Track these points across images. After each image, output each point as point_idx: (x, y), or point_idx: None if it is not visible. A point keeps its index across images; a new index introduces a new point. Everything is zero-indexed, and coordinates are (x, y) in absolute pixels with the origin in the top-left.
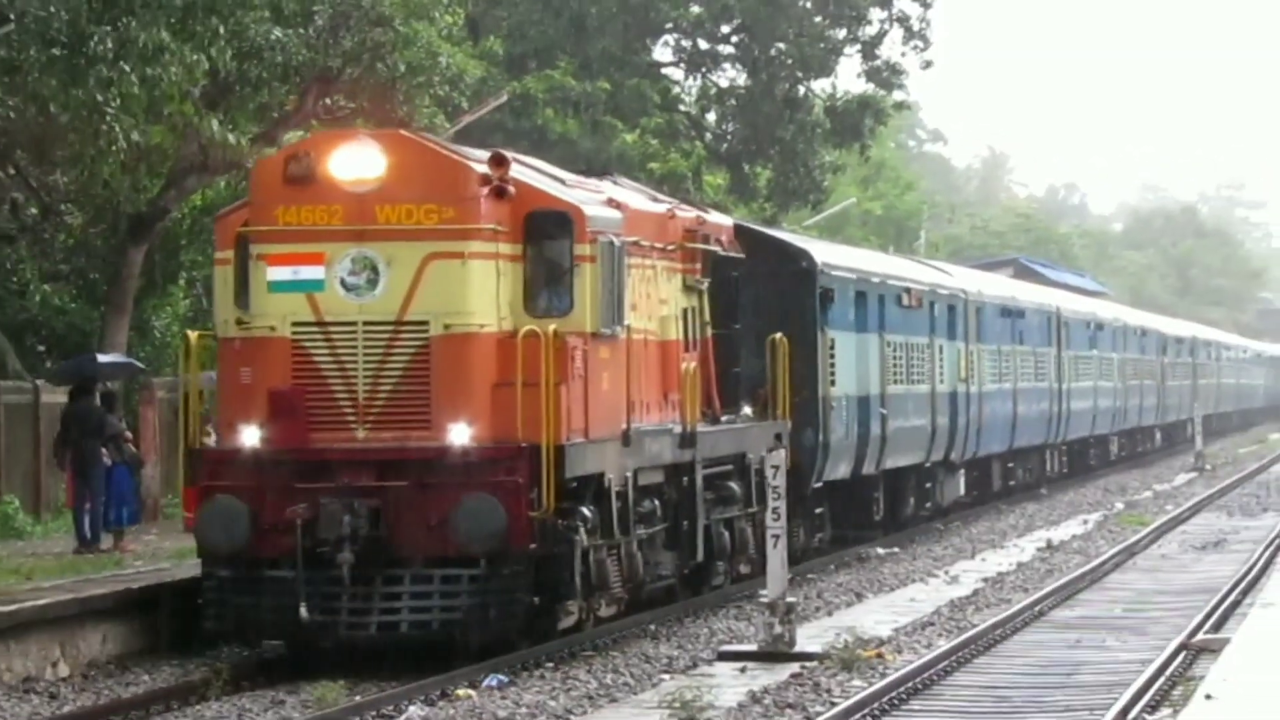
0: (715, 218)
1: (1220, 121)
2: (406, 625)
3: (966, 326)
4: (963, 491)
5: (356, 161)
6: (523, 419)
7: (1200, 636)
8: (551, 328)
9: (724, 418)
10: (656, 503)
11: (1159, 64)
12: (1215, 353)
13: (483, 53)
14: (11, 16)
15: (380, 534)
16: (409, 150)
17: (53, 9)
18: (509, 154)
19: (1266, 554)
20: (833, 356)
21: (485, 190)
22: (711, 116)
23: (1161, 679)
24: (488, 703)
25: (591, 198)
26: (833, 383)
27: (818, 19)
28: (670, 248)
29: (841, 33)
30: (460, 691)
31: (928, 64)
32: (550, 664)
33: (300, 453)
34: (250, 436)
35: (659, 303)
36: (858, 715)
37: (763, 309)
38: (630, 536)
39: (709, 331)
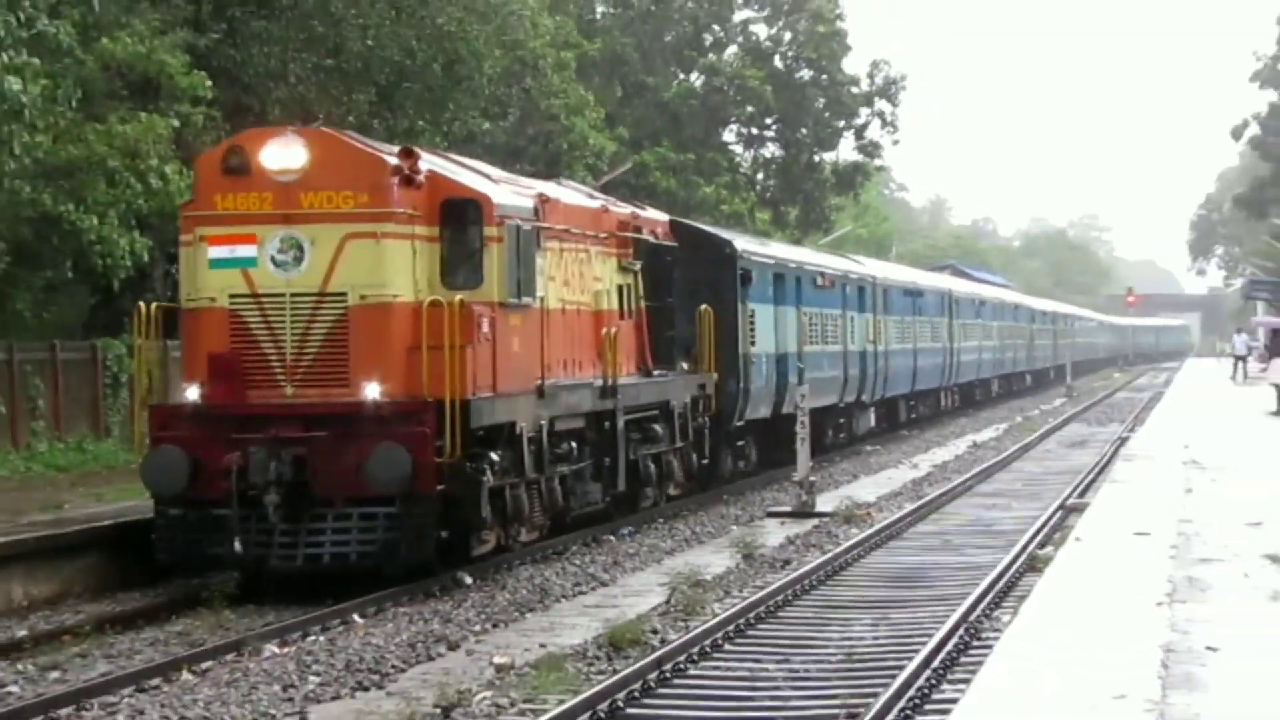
0: (651, 214)
1: (1081, 173)
2: (329, 557)
3: (874, 302)
4: (873, 424)
5: (284, 154)
6: (428, 377)
7: (1072, 501)
8: (458, 297)
9: (656, 372)
10: (573, 445)
11: (1044, 132)
12: (1071, 323)
13: (615, 136)
14: None
15: (306, 479)
16: (330, 144)
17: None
18: (420, 149)
19: (1113, 448)
20: (753, 323)
21: (396, 179)
22: (760, 176)
23: (1047, 528)
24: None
25: (506, 190)
26: (753, 343)
27: (827, 114)
28: (603, 235)
29: (842, 123)
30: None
31: (895, 142)
32: (661, 519)
33: (235, 407)
34: (193, 393)
35: (593, 280)
36: (855, 549)
37: (696, 286)
38: (545, 475)
39: (643, 304)
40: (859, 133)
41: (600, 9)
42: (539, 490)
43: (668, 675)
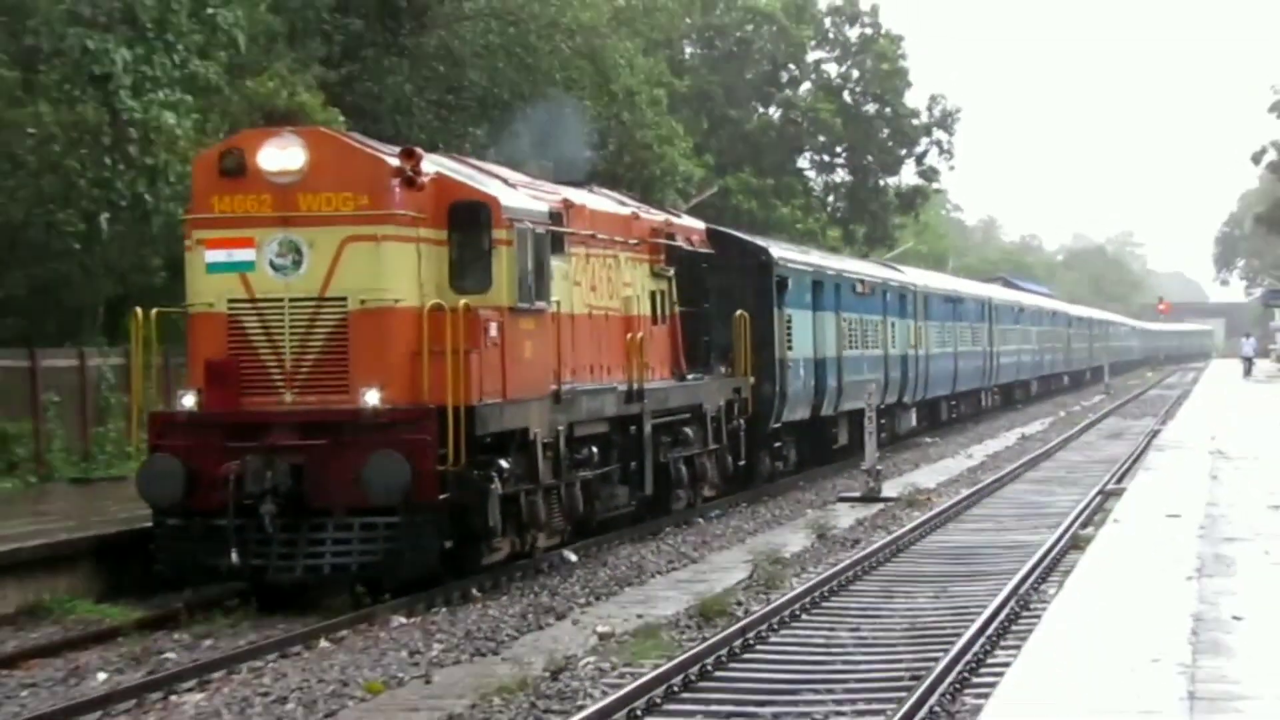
0: (686, 221)
1: (1118, 193)
2: (329, 568)
3: (915, 308)
4: (915, 423)
5: (281, 156)
6: (429, 383)
7: (1111, 486)
8: (462, 302)
9: (690, 376)
10: (593, 450)
11: (1085, 156)
12: (1107, 328)
13: (702, 163)
14: None
15: (304, 488)
16: (328, 145)
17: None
18: (422, 151)
19: (1146, 440)
20: (789, 329)
21: (397, 180)
22: (831, 198)
23: (1089, 510)
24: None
25: (518, 193)
26: (789, 348)
27: (890, 143)
28: (633, 242)
29: (904, 150)
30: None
31: (951, 167)
32: (744, 504)
33: (231, 415)
34: (189, 401)
35: (623, 285)
36: (917, 530)
37: (733, 292)
38: (564, 480)
39: (676, 310)
40: (919, 159)
41: (689, 50)
42: (559, 496)
43: (751, 642)
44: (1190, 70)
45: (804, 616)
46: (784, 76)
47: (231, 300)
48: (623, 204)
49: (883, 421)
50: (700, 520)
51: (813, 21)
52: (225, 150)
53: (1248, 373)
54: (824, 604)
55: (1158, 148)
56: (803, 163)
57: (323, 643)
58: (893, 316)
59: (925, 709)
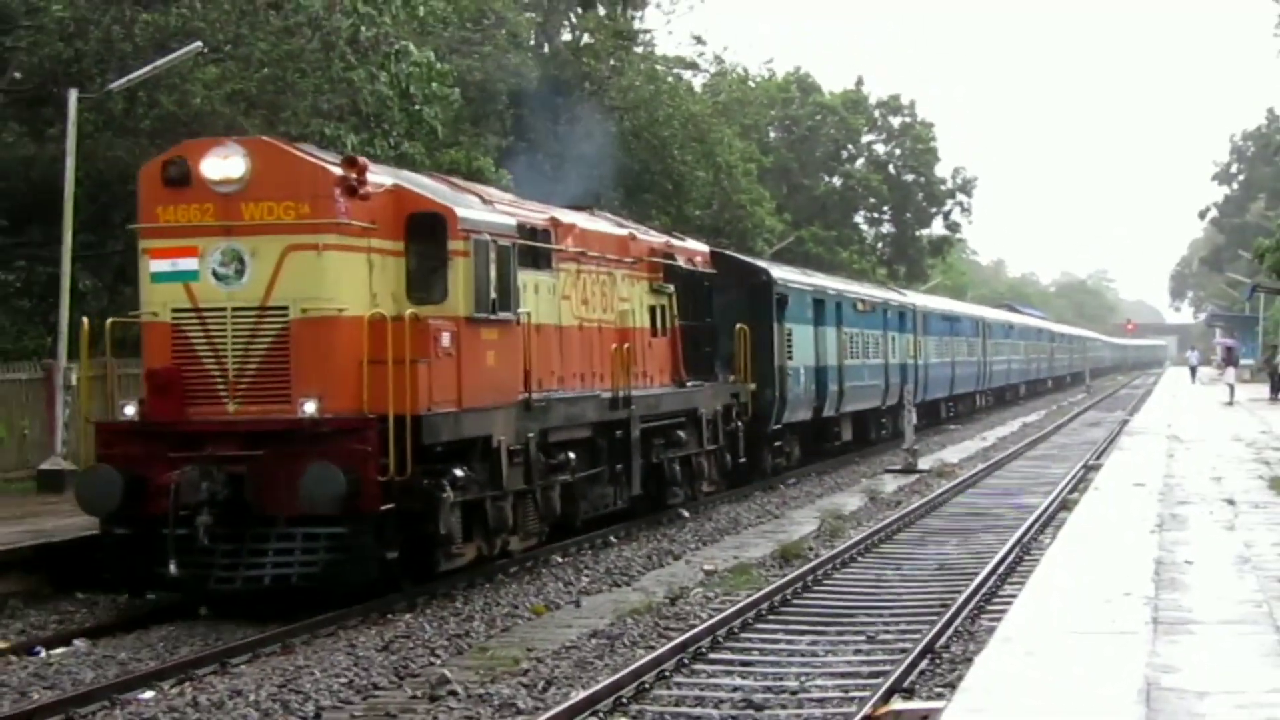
0: (689, 244)
1: (1096, 240)
2: (269, 579)
3: (915, 324)
4: (915, 420)
5: (224, 165)
6: (369, 393)
7: (1091, 462)
8: (409, 311)
9: (690, 383)
10: (569, 455)
11: (1072, 208)
12: (1085, 343)
13: (783, 219)
14: None
15: (247, 498)
16: (271, 154)
17: None
18: (373, 164)
19: (1119, 427)
20: (790, 341)
21: (339, 189)
22: (879, 245)
23: (1075, 480)
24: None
25: (480, 207)
26: (790, 357)
27: (924, 203)
28: (630, 260)
29: (934, 209)
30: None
31: (970, 222)
32: (814, 473)
33: (170, 424)
34: (130, 410)
35: (618, 300)
36: (945, 494)
37: (738, 308)
38: (536, 485)
39: (677, 323)
40: (945, 215)
41: (773, 134)
42: (534, 500)
43: (820, 578)
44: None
45: (860, 559)
46: (844, 154)
47: (175, 310)
48: (620, 225)
49: (884, 420)
50: (781, 486)
51: (865, 113)
52: (169, 160)
53: (1193, 377)
54: (875, 549)
55: (1126, 204)
56: (858, 218)
57: (498, 575)
58: (893, 331)
59: (952, 628)
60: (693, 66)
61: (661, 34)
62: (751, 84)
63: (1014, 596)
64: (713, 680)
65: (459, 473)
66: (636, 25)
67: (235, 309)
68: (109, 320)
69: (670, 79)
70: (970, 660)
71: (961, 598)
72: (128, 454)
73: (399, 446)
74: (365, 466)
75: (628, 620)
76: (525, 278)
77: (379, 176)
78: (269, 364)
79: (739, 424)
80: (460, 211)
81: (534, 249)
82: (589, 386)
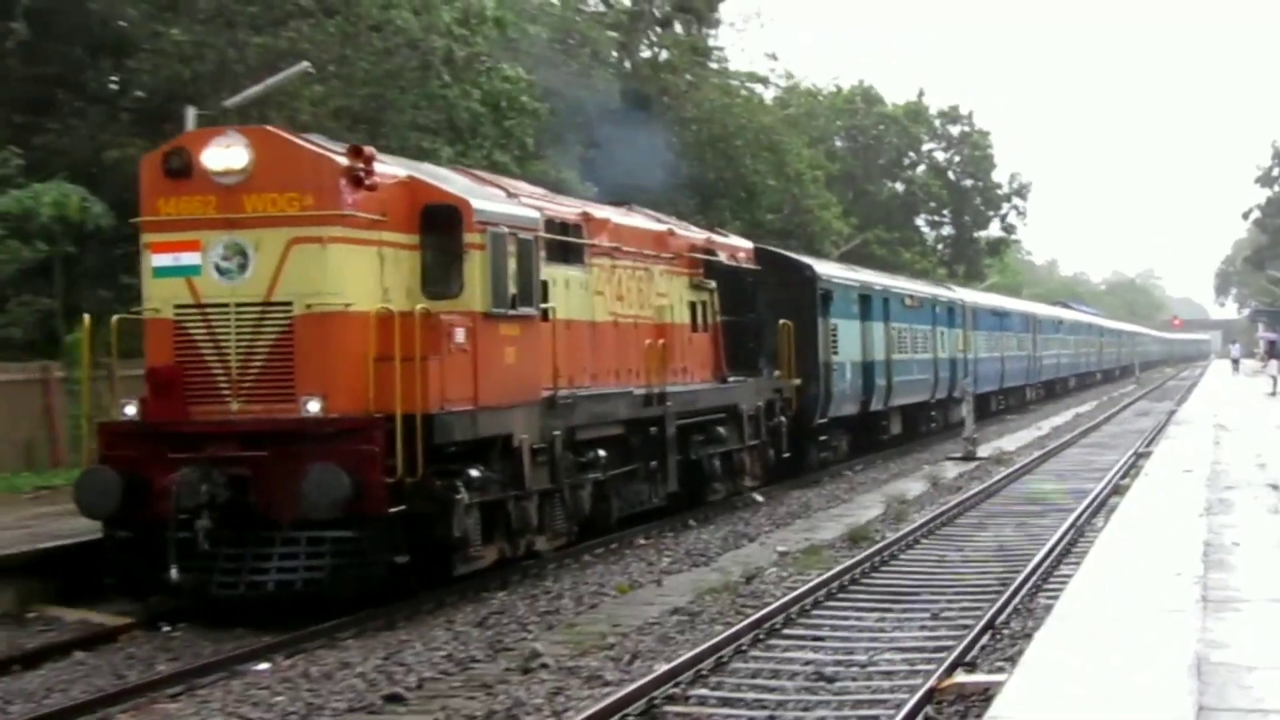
0: (732, 240)
1: (1144, 240)
2: (273, 585)
3: (964, 320)
4: (964, 414)
5: (225, 155)
6: (375, 392)
7: (1141, 449)
8: (419, 307)
9: (731, 379)
10: (599, 453)
11: (1121, 209)
12: (1134, 337)
13: (849, 223)
14: None
15: (250, 500)
16: (274, 144)
17: None
18: (379, 154)
19: (1167, 417)
20: (835, 336)
21: (344, 180)
22: (939, 246)
23: (1126, 466)
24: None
25: (498, 199)
26: (835, 353)
27: (981, 207)
28: (668, 256)
29: (991, 212)
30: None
31: (1025, 224)
32: (881, 459)
33: (170, 425)
34: (130, 409)
35: (656, 295)
36: (1002, 480)
37: (782, 304)
38: (562, 484)
39: (719, 319)
40: (1002, 218)
41: (839, 143)
42: (561, 499)
43: (887, 559)
44: (1196, 148)
45: (923, 540)
46: (906, 161)
47: (177, 305)
48: (658, 220)
49: (933, 413)
50: (848, 473)
51: (926, 122)
52: (170, 150)
53: (1236, 369)
54: (937, 532)
55: (1172, 206)
56: (919, 221)
57: (586, 557)
58: (941, 326)
59: (1011, 606)
60: (763, 81)
61: (734, 50)
62: (819, 98)
63: (1070, 576)
64: (786, 654)
65: (475, 473)
66: (711, 43)
67: (238, 304)
68: (115, 317)
69: (743, 93)
70: (1029, 636)
71: (1020, 577)
72: (128, 455)
73: (408, 447)
74: (370, 468)
75: (706, 598)
76: (555, 272)
77: (391, 168)
78: (273, 361)
79: (782, 419)
80: (476, 203)
81: (564, 244)
82: (625, 383)
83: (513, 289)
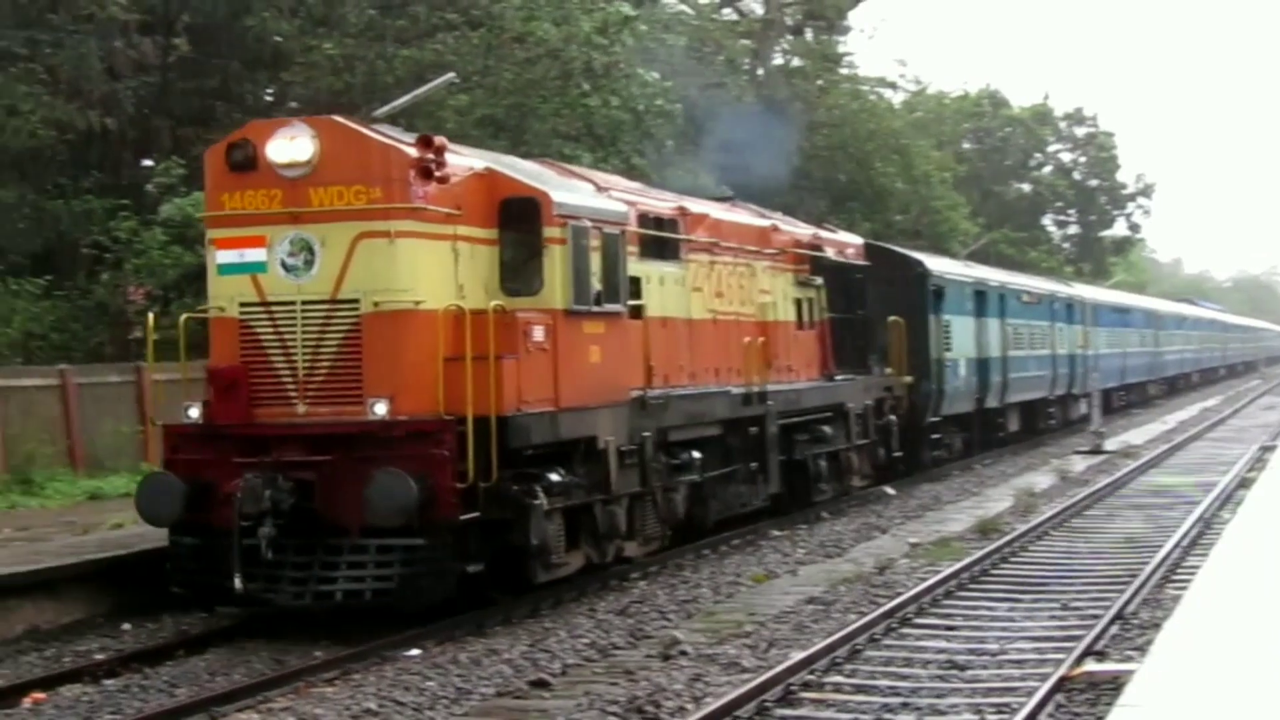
0: (840, 236)
1: (1271, 236)
2: (341, 595)
3: (1083, 316)
4: (1084, 411)
5: (290, 147)
6: (445, 393)
7: (1267, 443)
8: (493, 304)
9: (839, 377)
10: (693, 455)
11: (1246, 208)
12: (1258, 333)
13: (976, 223)
14: None
15: (316, 506)
16: (340, 135)
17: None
18: (444, 140)
19: None
20: (948, 333)
21: (414, 172)
22: (1066, 245)
23: (1253, 460)
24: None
25: (582, 192)
26: (948, 349)
27: (1107, 206)
28: (771, 252)
29: (1116, 212)
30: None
31: (1150, 223)
32: (1009, 453)
33: (234, 428)
34: (194, 412)
35: (758, 292)
36: (1130, 473)
37: (893, 300)
38: (653, 486)
39: (825, 316)
40: (1127, 217)
41: (966, 145)
42: (654, 502)
43: (1016, 550)
44: None
45: (1052, 533)
46: (1032, 162)
47: (243, 304)
48: (762, 215)
49: (1052, 410)
50: (977, 467)
51: (1051, 124)
52: (234, 143)
53: None
54: (1066, 524)
55: None
56: (1046, 221)
57: (722, 548)
58: (1060, 322)
59: (1140, 596)
60: (892, 86)
61: (863, 55)
62: (946, 101)
63: (1197, 567)
64: (919, 643)
65: (555, 477)
66: (840, 49)
67: (305, 302)
68: (183, 316)
69: (872, 97)
70: (1158, 626)
71: (1149, 568)
72: (193, 459)
73: (481, 450)
74: (440, 473)
75: (840, 588)
76: (648, 269)
77: (467, 159)
78: (340, 361)
79: (893, 418)
80: (556, 195)
81: (659, 239)
82: (725, 381)
83: (597, 285)
